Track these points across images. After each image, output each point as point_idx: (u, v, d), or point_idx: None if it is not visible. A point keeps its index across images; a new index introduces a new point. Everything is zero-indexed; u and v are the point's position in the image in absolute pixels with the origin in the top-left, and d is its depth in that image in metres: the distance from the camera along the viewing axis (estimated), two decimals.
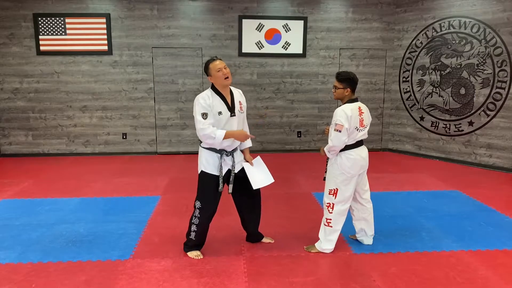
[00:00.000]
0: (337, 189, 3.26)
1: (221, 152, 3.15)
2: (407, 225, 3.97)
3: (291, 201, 4.75)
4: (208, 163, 3.14)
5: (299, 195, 4.99)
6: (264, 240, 3.59)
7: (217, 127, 3.07)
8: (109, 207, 4.51)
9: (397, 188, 5.24)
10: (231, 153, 3.20)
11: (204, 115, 3.01)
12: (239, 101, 3.22)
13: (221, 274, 3.04)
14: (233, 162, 3.19)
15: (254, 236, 3.56)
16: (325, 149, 3.28)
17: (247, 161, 3.31)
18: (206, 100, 3.04)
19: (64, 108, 7.20)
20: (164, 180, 5.61)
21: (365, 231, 3.48)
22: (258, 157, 3.37)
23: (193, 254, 3.31)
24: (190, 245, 3.35)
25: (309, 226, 3.91)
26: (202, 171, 3.18)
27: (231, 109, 3.13)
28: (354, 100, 3.23)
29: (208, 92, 3.12)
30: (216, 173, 3.15)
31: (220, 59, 3.12)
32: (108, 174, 5.97)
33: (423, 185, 5.44)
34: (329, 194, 3.30)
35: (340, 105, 3.25)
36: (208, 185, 3.16)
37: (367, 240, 3.51)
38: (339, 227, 3.35)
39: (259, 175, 3.26)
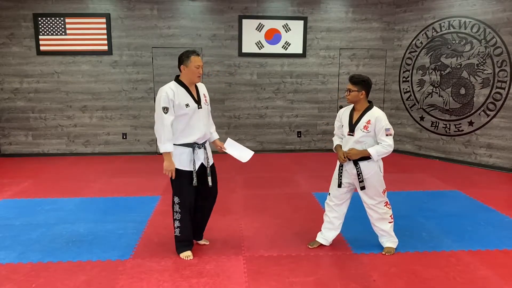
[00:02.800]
0: (385, 188, 3.34)
1: (193, 145, 3.16)
2: (407, 225, 3.97)
3: (291, 201, 4.75)
4: (180, 160, 3.15)
5: (299, 195, 4.99)
6: (200, 241, 3.53)
7: (184, 120, 3.08)
8: (109, 207, 4.51)
9: (397, 188, 5.23)
10: (203, 145, 3.23)
11: (165, 109, 3.02)
12: (203, 94, 3.27)
13: (221, 274, 3.05)
14: (206, 154, 3.23)
15: (198, 236, 3.52)
16: (376, 154, 3.15)
17: (217, 145, 3.39)
18: (169, 94, 3.03)
19: (64, 108, 7.20)
20: (164, 180, 5.61)
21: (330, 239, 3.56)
22: (228, 139, 3.44)
23: (184, 255, 3.29)
24: (179, 245, 3.33)
25: (309, 226, 3.91)
26: (175, 168, 3.16)
27: (198, 101, 3.16)
28: (372, 105, 3.26)
29: (172, 85, 3.11)
30: (189, 168, 3.16)
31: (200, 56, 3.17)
32: (108, 174, 5.97)
33: (423, 185, 5.44)
34: (383, 194, 3.32)
35: (346, 108, 3.33)
36: (183, 181, 3.17)
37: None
38: None
39: (240, 152, 3.39)
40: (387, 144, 3.14)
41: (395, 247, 3.41)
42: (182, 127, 3.11)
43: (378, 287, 2.88)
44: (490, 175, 5.94)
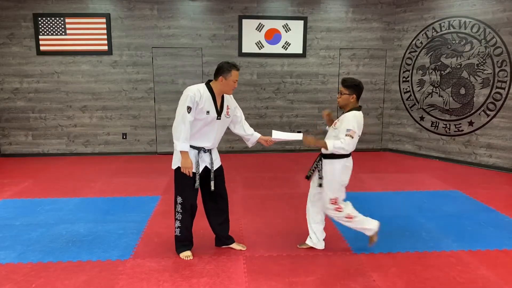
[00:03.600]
0: (337, 198, 3.25)
1: (199, 149, 3.16)
2: (407, 225, 3.97)
3: (291, 201, 4.75)
4: None
5: (299, 195, 4.99)
6: (235, 246, 3.48)
7: (199, 125, 3.09)
8: (109, 207, 4.51)
9: (397, 188, 5.24)
10: (209, 150, 3.22)
11: (189, 109, 3.01)
12: (227, 105, 3.24)
13: (221, 274, 3.05)
14: (211, 159, 3.22)
15: (223, 240, 3.48)
16: (332, 146, 3.09)
17: (265, 140, 3.46)
18: (196, 95, 3.02)
19: (64, 108, 7.20)
20: (164, 180, 5.61)
21: (318, 235, 3.48)
22: (274, 131, 3.39)
23: (184, 255, 3.30)
24: (179, 245, 3.33)
25: None
26: (178, 167, 3.15)
27: (219, 112, 3.15)
28: (359, 109, 3.24)
29: (201, 88, 3.09)
30: (194, 170, 3.14)
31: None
32: (108, 174, 5.97)
33: (423, 185, 5.44)
34: (332, 202, 3.24)
35: (344, 112, 3.29)
36: (186, 181, 3.15)
37: (320, 244, 3.49)
38: (355, 211, 3.33)
39: (291, 136, 3.36)
40: (342, 139, 3.07)
41: (370, 234, 3.35)
42: (195, 131, 3.10)
43: (378, 287, 2.88)
44: (490, 175, 5.94)
